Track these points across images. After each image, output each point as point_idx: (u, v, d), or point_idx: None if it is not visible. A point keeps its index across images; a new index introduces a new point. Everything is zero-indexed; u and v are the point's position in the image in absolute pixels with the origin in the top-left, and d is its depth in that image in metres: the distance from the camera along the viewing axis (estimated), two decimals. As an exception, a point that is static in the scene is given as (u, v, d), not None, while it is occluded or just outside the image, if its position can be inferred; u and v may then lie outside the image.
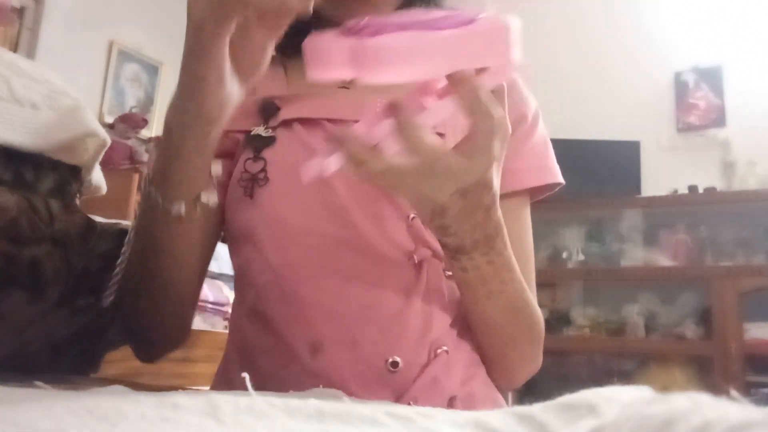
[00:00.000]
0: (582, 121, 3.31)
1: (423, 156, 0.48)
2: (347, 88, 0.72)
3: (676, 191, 3.14)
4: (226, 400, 0.32)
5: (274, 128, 0.68)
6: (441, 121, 0.51)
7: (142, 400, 0.31)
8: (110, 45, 3.20)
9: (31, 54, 2.81)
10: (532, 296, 0.66)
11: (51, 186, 0.66)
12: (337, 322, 0.63)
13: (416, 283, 0.64)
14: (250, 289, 0.67)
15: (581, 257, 3.24)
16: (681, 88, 3.38)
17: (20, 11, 2.84)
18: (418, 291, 0.64)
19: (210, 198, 0.57)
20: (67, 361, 0.65)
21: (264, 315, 0.67)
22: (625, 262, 3.17)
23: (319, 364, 0.62)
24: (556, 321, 3.16)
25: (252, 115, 0.70)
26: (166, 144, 0.55)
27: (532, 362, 0.70)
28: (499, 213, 0.55)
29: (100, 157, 0.73)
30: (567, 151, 3.29)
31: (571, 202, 3.02)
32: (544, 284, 3.29)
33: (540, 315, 0.68)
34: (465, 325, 0.67)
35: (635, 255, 3.16)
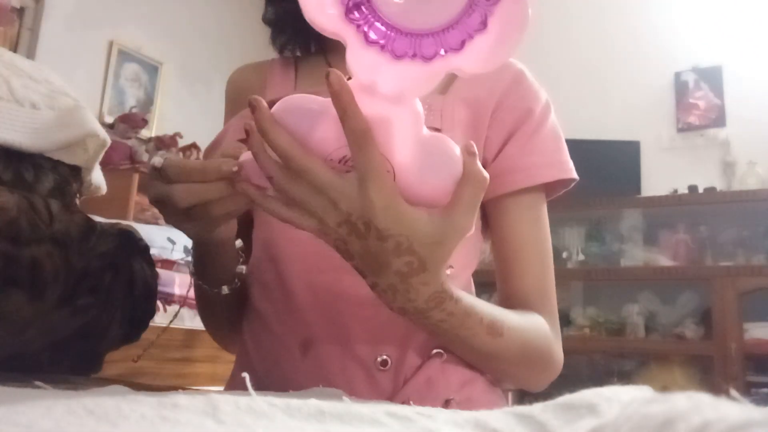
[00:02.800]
0: (582, 121, 3.31)
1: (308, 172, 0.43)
2: None
3: (676, 191, 3.14)
4: (226, 400, 0.32)
5: None
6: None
7: (142, 400, 0.31)
8: (110, 45, 3.20)
9: (31, 54, 2.81)
10: (521, 319, 0.61)
11: (51, 186, 0.66)
12: (328, 320, 0.64)
13: None
14: (257, 286, 0.69)
15: (581, 257, 3.24)
16: (681, 88, 3.38)
17: (20, 11, 2.83)
18: None
19: (242, 268, 0.66)
20: (67, 361, 0.65)
21: (261, 312, 0.68)
22: (625, 262, 3.17)
23: (310, 361, 0.63)
24: (556, 321, 3.16)
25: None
26: (198, 254, 0.65)
27: (536, 375, 0.66)
28: (436, 288, 0.48)
29: (100, 157, 0.73)
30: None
31: (571, 202, 3.01)
32: (544, 284, 3.30)
33: (538, 334, 0.63)
34: None
35: (635, 255, 3.16)
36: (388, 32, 0.39)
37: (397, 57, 0.40)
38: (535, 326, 0.63)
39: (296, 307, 0.65)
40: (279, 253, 0.67)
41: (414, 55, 0.40)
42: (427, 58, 0.40)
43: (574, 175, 0.69)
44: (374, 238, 0.44)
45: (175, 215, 0.54)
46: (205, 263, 0.65)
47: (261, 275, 0.69)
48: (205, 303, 0.72)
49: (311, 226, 0.46)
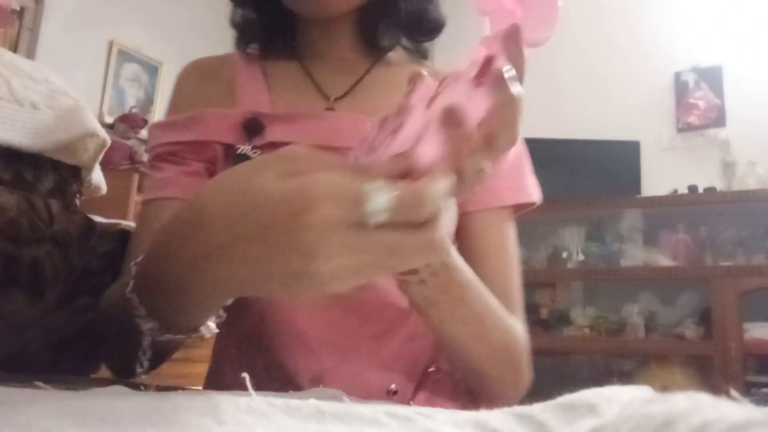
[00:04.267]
0: (582, 121, 3.31)
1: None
2: (333, 109, 0.70)
3: (676, 191, 3.14)
4: (226, 400, 0.32)
5: (260, 148, 0.65)
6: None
7: (142, 401, 0.31)
8: (110, 45, 3.20)
9: (31, 54, 2.81)
10: (506, 313, 0.62)
11: (51, 186, 0.66)
12: (339, 355, 0.63)
13: (410, 313, 0.64)
14: (246, 313, 0.65)
15: (581, 257, 3.24)
16: (681, 88, 3.37)
17: (20, 11, 2.84)
18: (412, 319, 0.63)
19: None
20: (67, 361, 0.65)
21: (260, 343, 0.65)
22: (625, 262, 3.17)
23: None
24: (556, 321, 3.16)
25: (235, 129, 0.67)
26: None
27: (515, 380, 0.64)
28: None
29: (100, 157, 0.73)
30: (567, 151, 3.28)
31: (571, 202, 3.02)
32: (544, 284, 3.30)
33: (519, 331, 0.63)
34: None
35: (635, 255, 3.16)
36: None
37: None
38: (514, 326, 0.63)
39: (305, 343, 0.63)
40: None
41: None
42: None
43: (535, 198, 0.71)
44: None
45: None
46: (182, 309, 0.44)
47: (270, 313, 0.65)
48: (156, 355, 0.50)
49: None
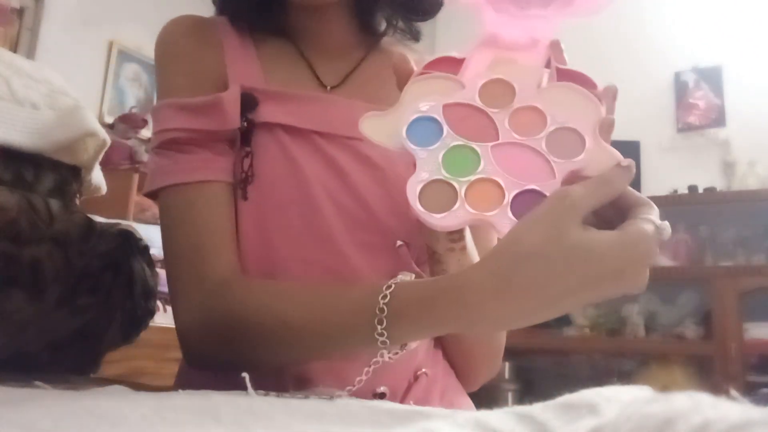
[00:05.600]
0: (582, 121, 3.31)
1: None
2: (327, 91, 0.68)
3: (676, 191, 3.14)
4: (226, 400, 0.32)
5: (251, 123, 0.63)
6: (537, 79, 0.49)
7: (142, 401, 0.31)
8: (110, 45, 3.20)
9: (31, 54, 2.81)
10: None
11: (51, 186, 0.65)
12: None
13: None
14: None
15: (581, 257, 3.23)
16: (681, 88, 3.37)
17: (20, 11, 2.83)
18: None
19: None
20: (67, 361, 0.65)
21: None
22: (625, 262, 3.16)
23: None
24: (556, 321, 3.16)
25: (231, 112, 0.63)
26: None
27: (495, 360, 0.70)
28: None
29: (100, 157, 0.73)
30: (567, 151, 3.29)
31: (571, 202, 3.01)
32: (544, 284, 3.29)
33: None
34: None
35: (635, 255, 3.15)
36: None
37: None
38: None
39: None
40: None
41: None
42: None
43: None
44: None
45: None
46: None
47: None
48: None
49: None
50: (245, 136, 0.63)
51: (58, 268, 0.60)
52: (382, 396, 0.61)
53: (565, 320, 3.17)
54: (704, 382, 2.76)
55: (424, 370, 0.64)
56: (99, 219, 0.67)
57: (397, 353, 0.50)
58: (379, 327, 0.48)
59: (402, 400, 0.62)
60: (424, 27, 0.77)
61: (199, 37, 0.69)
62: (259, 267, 0.62)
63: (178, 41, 0.69)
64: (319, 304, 0.54)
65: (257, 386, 0.59)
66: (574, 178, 0.45)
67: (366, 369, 0.50)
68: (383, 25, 0.74)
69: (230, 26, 0.71)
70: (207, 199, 0.62)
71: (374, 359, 0.50)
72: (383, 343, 0.48)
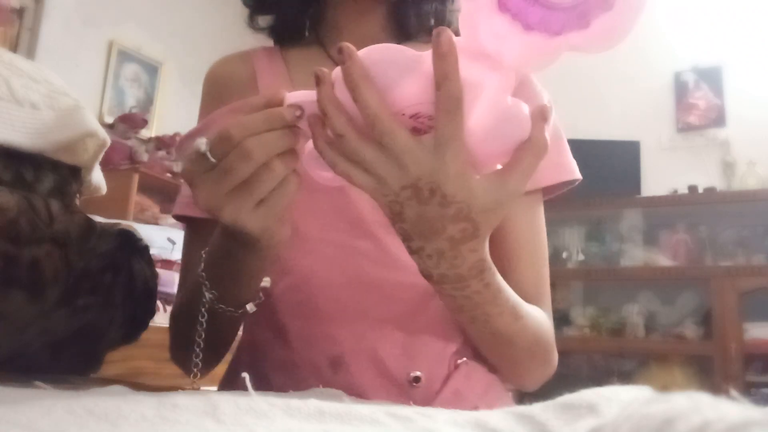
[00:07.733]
0: (582, 121, 3.31)
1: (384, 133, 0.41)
2: None
3: (676, 191, 3.14)
4: (226, 400, 0.32)
5: None
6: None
7: (142, 400, 0.31)
8: (110, 45, 3.20)
9: (31, 54, 2.81)
10: (533, 309, 0.62)
11: (51, 186, 0.65)
12: (358, 337, 0.62)
13: (436, 295, 0.64)
14: (267, 297, 0.64)
15: (581, 257, 3.24)
16: (681, 88, 3.37)
17: (20, 11, 2.83)
18: (438, 302, 0.61)
19: (267, 280, 0.59)
20: (67, 361, 0.65)
21: (280, 327, 0.65)
22: (625, 262, 3.17)
23: (341, 378, 0.61)
24: (556, 321, 3.13)
25: None
26: (224, 267, 0.56)
27: (541, 369, 0.68)
28: (481, 256, 0.47)
29: (100, 157, 0.72)
30: (567, 151, 3.29)
31: (571, 202, 3.01)
32: (544, 284, 3.30)
33: (545, 326, 0.64)
34: None
35: (635, 255, 3.16)
36: (523, 2, 0.39)
37: (528, 28, 0.39)
38: (542, 317, 0.64)
39: (323, 325, 0.62)
40: (297, 265, 0.64)
41: (541, 29, 0.39)
42: (554, 33, 0.40)
43: (575, 175, 0.69)
44: (436, 204, 0.42)
45: (245, 201, 0.46)
46: (232, 277, 0.56)
47: (283, 293, 0.65)
48: (213, 327, 0.59)
49: (367, 185, 0.43)
50: None
51: (58, 269, 0.60)
52: (417, 380, 0.61)
53: (565, 320, 3.17)
54: (704, 382, 2.76)
55: (464, 359, 0.64)
56: (99, 219, 0.67)
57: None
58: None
59: (441, 388, 0.62)
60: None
61: (231, 74, 0.75)
62: (290, 252, 0.63)
63: (213, 81, 0.76)
64: None
65: (291, 367, 0.62)
66: None
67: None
68: (419, 27, 0.74)
69: (263, 52, 0.76)
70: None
71: None
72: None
